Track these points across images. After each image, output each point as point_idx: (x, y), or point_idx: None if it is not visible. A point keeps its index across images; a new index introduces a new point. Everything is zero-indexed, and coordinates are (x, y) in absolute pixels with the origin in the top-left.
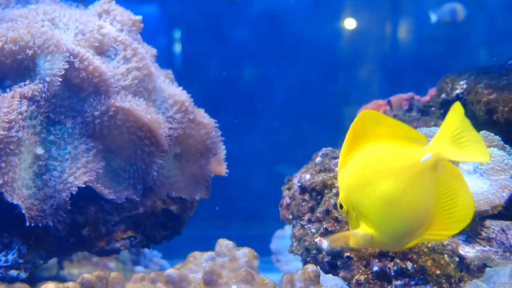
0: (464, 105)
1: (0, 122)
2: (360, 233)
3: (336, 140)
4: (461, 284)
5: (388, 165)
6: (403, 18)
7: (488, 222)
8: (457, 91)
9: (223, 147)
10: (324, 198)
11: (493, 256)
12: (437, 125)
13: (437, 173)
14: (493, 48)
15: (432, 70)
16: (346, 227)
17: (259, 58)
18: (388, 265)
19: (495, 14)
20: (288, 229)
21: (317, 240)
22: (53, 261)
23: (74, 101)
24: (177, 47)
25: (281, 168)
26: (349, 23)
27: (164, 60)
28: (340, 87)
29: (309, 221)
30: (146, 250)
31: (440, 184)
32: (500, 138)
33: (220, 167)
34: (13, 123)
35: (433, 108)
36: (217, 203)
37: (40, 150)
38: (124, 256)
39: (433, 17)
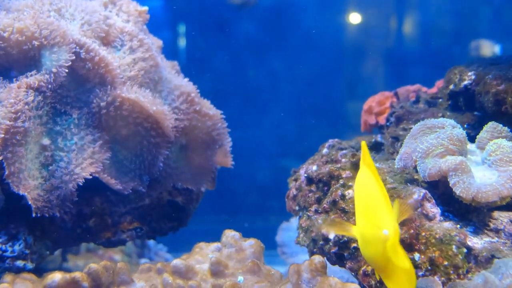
0: (472, 96)
1: (6, 113)
2: (351, 231)
3: (341, 134)
4: (469, 275)
5: (370, 209)
6: (409, 11)
7: (496, 213)
8: (465, 82)
9: (229, 138)
10: (331, 189)
11: (501, 247)
12: (444, 116)
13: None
14: (499, 42)
15: (437, 64)
16: (353, 218)
17: (264, 51)
18: None
19: (501, 7)
20: (293, 221)
21: (324, 231)
22: (58, 253)
23: (80, 92)
24: (183, 41)
25: (286, 162)
26: (355, 17)
27: (170, 53)
28: (345, 80)
29: (316, 212)
30: (151, 243)
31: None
32: (508, 129)
33: (226, 159)
34: (20, 113)
35: (440, 100)
36: (222, 197)
37: (46, 141)
38: (130, 249)
39: None
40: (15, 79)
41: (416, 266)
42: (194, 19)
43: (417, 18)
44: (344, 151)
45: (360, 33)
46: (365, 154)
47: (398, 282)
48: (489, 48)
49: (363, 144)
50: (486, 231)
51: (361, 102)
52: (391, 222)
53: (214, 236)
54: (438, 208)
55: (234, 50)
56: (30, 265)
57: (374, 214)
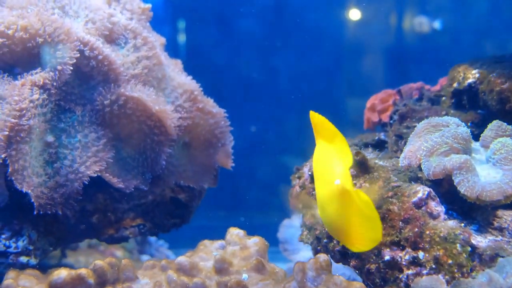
0: (476, 94)
1: (11, 110)
2: (315, 208)
3: (343, 131)
4: (473, 274)
5: (323, 171)
6: (411, 8)
7: (500, 212)
8: (469, 81)
9: (231, 137)
10: None
11: (505, 246)
12: (448, 114)
13: (351, 195)
14: (500, 39)
15: (440, 61)
16: None
17: (265, 47)
18: (400, 254)
19: (501, 4)
20: (295, 218)
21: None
22: (60, 249)
23: (84, 89)
24: (183, 37)
25: (287, 159)
26: (356, 13)
27: (171, 50)
28: (347, 77)
29: None
30: (152, 239)
31: (354, 205)
32: None
33: (226, 160)
34: (25, 111)
35: (444, 98)
36: (224, 193)
37: (50, 138)
38: (131, 245)
39: None
40: (19, 76)
41: (420, 264)
42: (195, 15)
43: (419, 15)
44: None
45: (363, 31)
46: (317, 125)
47: (360, 239)
48: (426, 25)
49: (312, 115)
50: (490, 229)
51: (364, 100)
52: (340, 171)
53: (214, 232)
54: (443, 207)
55: (235, 47)
56: (33, 261)
57: (324, 173)
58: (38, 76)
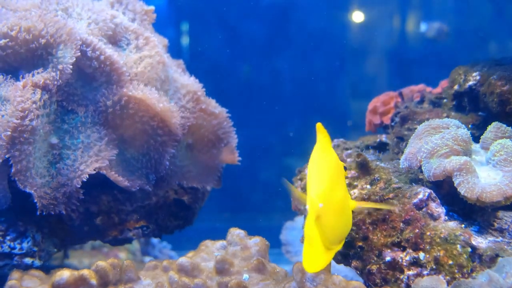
0: (477, 96)
1: (14, 111)
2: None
3: (345, 133)
4: (473, 274)
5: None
6: (413, 11)
7: (500, 213)
8: (470, 83)
9: (235, 136)
10: None
11: (505, 246)
12: (449, 116)
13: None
14: (502, 41)
15: (442, 63)
16: (359, 217)
17: (269, 50)
18: (401, 255)
19: (504, 6)
20: (298, 220)
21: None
22: (63, 250)
23: (86, 90)
24: (186, 39)
25: (290, 161)
26: (359, 16)
27: (174, 52)
28: (349, 79)
29: None
30: (155, 241)
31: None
32: None
33: (232, 156)
34: (27, 112)
35: (445, 100)
36: (226, 195)
37: (54, 139)
38: (134, 247)
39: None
40: (21, 77)
41: (421, 265)
42: (199, 18)
43: (421, 17)
44: (349, 151)
45: (364, 33)
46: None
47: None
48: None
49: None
50: (490, 230)
51: (365, 102)
52: (313, 195)
53: (217, 234)
54: (443, 208)
55: (238, 49)
56: (38, 262)
57: (309, 185)
58: (39, 76)
